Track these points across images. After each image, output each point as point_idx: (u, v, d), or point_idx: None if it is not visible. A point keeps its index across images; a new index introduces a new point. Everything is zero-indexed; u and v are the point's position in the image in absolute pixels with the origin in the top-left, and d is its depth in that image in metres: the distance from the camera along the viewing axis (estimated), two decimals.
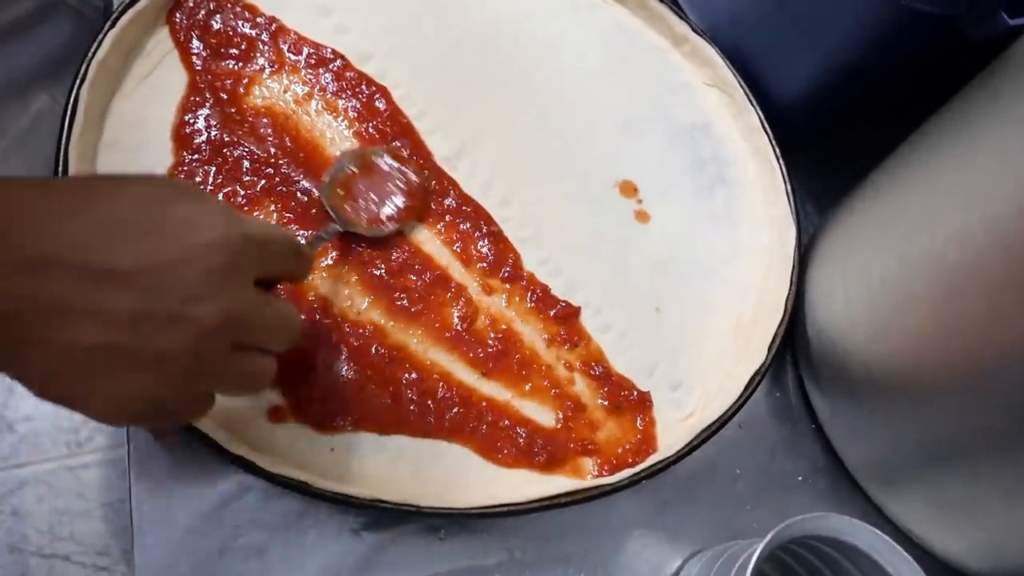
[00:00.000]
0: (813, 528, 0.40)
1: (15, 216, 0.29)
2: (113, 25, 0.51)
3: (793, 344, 0.58)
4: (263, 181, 0.51)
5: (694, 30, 0.65)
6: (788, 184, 0.59)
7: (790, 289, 0.55)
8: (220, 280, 0.32)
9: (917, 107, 0.51)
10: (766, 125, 0.62)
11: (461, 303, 0.51)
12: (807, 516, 0.39)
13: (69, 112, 0.48)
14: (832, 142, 0.63)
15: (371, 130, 0.55)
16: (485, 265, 0.53)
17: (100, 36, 0.51)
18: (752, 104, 0.63)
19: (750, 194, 0.62)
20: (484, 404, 0.48)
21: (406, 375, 0.48)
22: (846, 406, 0.53)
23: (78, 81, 0.49)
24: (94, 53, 0.50)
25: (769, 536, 0.38)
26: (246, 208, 0.50)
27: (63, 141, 0.47)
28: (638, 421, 0.50)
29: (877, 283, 0.48)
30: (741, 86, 0.63)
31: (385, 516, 0.45)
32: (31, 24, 0.57)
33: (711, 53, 0.65)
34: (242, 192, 0.50)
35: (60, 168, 0.46)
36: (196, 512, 0.44)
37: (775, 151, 0.61)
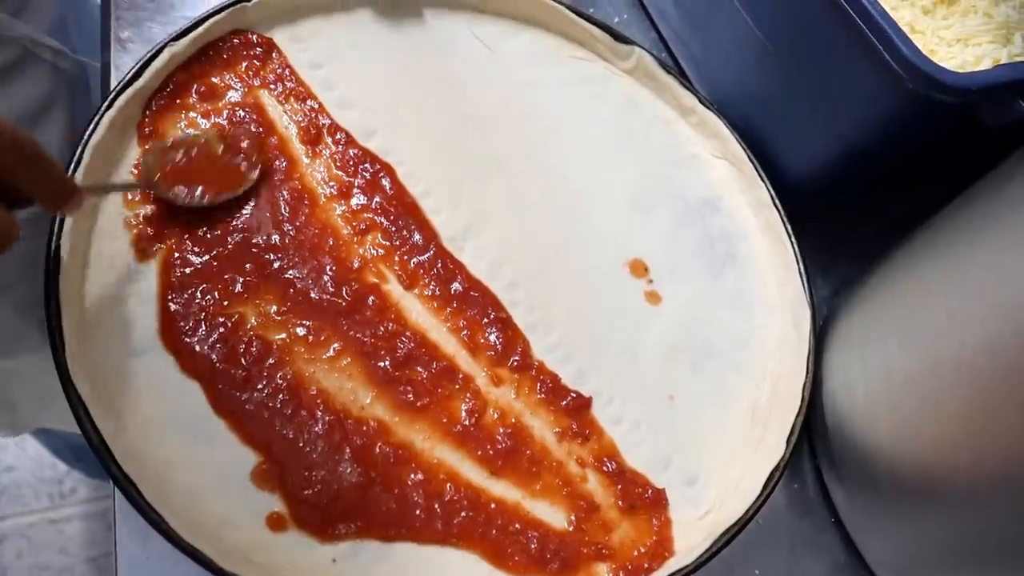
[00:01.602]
0: None
1: None
2: (110, 106, 0.50)
3: (811, 433, 0.56)
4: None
5: (701, 102, 0.64)
6: (800, 264, 0.58)
7: (806, 377, 0.53)
8: None
9: (931, 186, 0.50)
10: (776, 201, 0.61)
11: (469, 396, 0.49)
12: None
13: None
14: (843, 216, 0.62)
15: (375, 207, 0.54)
16: (493, 354, 0.51)
17: (98, 117, 0.49)
18: (762, 178, 0.62)
19: (762, 273, 0.60)
20: (493, 506, 0.46)
21: (412, 476, 0.46)
22: (867, 501, 0.51)
23: (72, 165, 0.47)
24: (89, 136, 0.48)
25: None
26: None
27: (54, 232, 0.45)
28: (653, 521, 0.48)
29: (900, 381, 0.46)
30: (750, 159, 0.62)
31: None
32: (2, 79, 0.55)
33: (719, 125, 0.64)
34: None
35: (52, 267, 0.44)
36: (191, 571, 0.41)
37: (786, 228, 0.60)
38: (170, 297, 0.47)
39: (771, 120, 0.63)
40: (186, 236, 0.49)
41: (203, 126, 0.53)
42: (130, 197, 0.50)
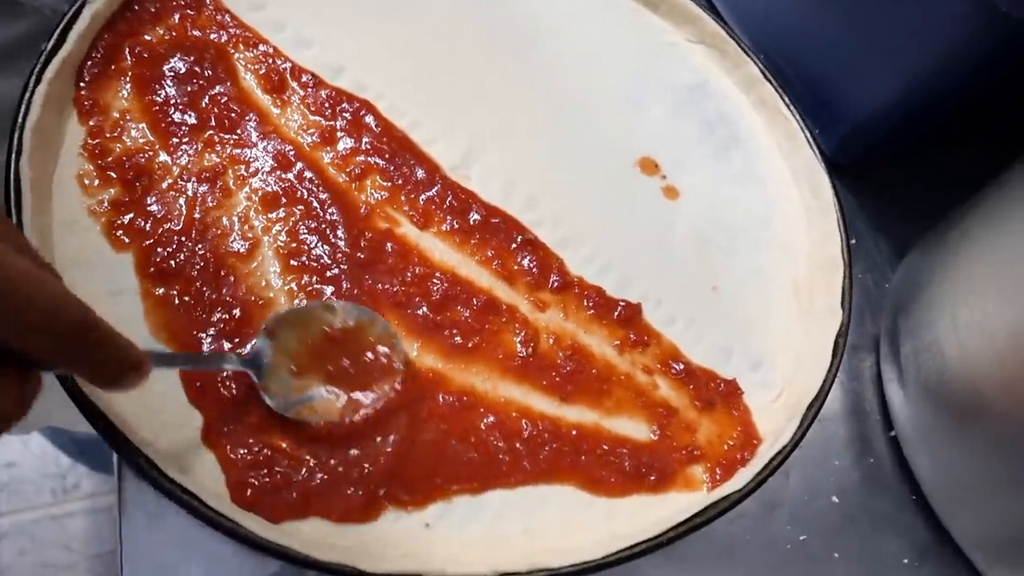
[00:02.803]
0: None
1: None
2: (39, 80, 0.42)
3: (884, 407, 0.52)
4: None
5: None
6: (806, 132, 0.57)
7: (842, 239, 0.52)
8: None
9: (993, 140, 0.46)
10: (768, 74, 0.59)
11: (518, 326, 0.45)
12: None
13: (13, 192, 0.39)
14: (902, 172, 0.59)
15: (366, 149, 0.48)
16: (530, 279, 0.47)
17: (27, 95, 0.42)
18: (747, 53, 0.60)
19: (766, 149, 0.59)
20: (574, 433, 0.43)
21: (484, 420, 0.42)
22: (960, 473, 0.46)
23: (14, 154, 0.40)
24: (24, 117, 0.41)
25: None
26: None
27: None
28: (733, 413, 0.46)
29: (1004, 339, 0.41)
30: (732, 37, 0.60)
31: None
32: (23, 51, 0.47)
33: (688, 7, 0.61)
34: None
35: None
36: (201, 572, 0.37)
37: (783, 99, 0.58)
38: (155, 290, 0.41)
39: (825, 60, 0.58)
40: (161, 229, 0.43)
41: (166, 92, 0.46)
42: (87, 183, 0.43)
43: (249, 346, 0.39)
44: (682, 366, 0.47)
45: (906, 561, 0.47)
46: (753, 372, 0.49)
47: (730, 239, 0.54)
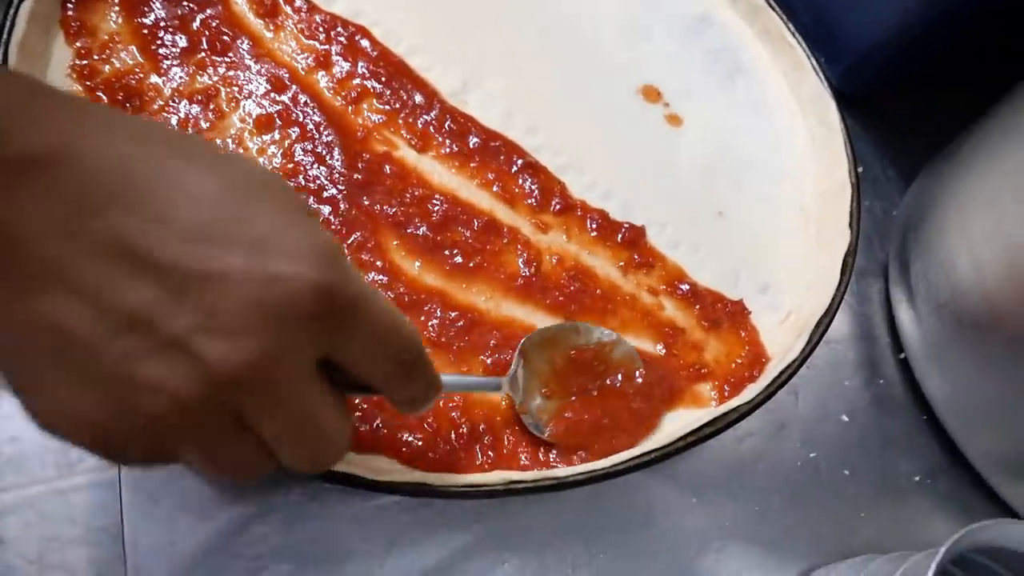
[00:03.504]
0: (991, 539, 0.33)
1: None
2: None
3: (894, 330, 0.51)
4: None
5: None
6: (812, 59, 0.55)
7: (849, 163, 0.51)
8: (265, 326, 0.22)
9: (1015, 62, 0.45)
10: (772, 2, 0.58)
11: (520, 247, 0.44)
12: (983, 525, 0.32)
13: None
14: (911, 102, 0.57)
15: (362, 73, 0.47)
16: (532, 201, 0.46)
17: (11, 11, 0.40)
18: None
19: (771, 78, 0.57)
20: None
21: (490, 340, 0.41)
22: (972, 392, 0.45)
23: None
24: (9, 33, 0.40)
25: (942, 550, 0.31)
26: None
27: None
28: (740, 333, 0.45)
29: (1019, 244, 0.40)
30: None
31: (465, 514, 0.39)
32: None
33: None
34: None
35: None
36: (204, 540, 0.36)
37: (788, 28, 0.57)
38: None
39: None
40: None
41: (156, 14, 0.45)
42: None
43: (511, 369, 0.39)
44: (688, 287, 0.46)
45: (917, 479, 0.46)
46: (761, 295, 0.48)
47: (736, 167, 0.52)
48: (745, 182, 0.52)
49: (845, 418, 0.47)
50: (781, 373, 0.42)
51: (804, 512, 0.43)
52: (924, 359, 0.48)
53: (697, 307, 0.45)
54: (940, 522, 0.44)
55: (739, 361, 0.44)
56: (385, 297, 0.26)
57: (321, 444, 0.25)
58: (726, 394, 0.42)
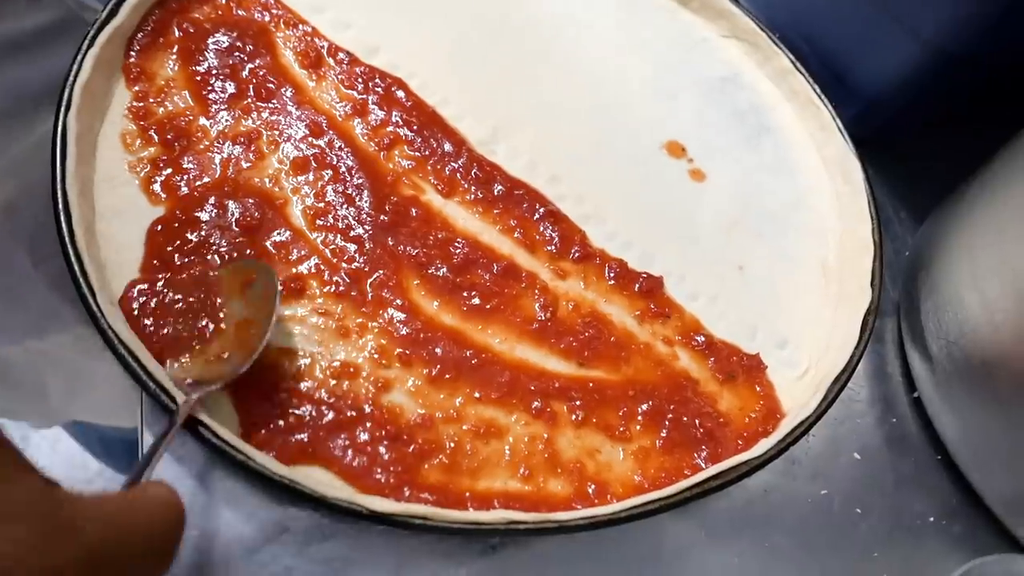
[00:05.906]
0: (998, 573, 0.33)
1: None
2: (91, 45, 0.45)
3: (906, 366, 0.51)
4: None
5: None
6: (837, 121, 0.56)
7: (872, 223, 0.51)
8: None
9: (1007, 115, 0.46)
10: (799, 65, 0.59)
11: (537, 292, 0.45)
12: (988, 559, 0.32)
13: (59, 143, 0.41)
14: (920, 146, 0.58)
15: (396, 121, 0.50)
16: (552, 248, 0.48)
17: (79, 57, 0.44)
18: (778, 46, 0.60)
19: (797, 138, 0.58)
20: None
21: (499, 378, 0.42)
22: (990, 430, 0.44)
23: (63, 108, 0.42)
24: (75, 76, 0.44)
25: None
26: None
27: (58, 176, 0.40)
28: (756, 388, 0.45)
29: None
30: (762, 30, 0.60)
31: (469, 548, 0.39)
32: (44, 40, 0.50)
33: (723, 4, 0.62)
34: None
35: (62, 207, 0.39)
36: (217, 560, 0.37)
37: (815, 90, 0.58)
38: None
39: (839, 33, 0.59)
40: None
41: (209, 63, 0.48)
42: (129, 142, 0.45)
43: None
44: (703, 338, 0.46)
45: (932, 520, 0.46)
46: (779, 350, 0.47)
47: (758, 222, 0.53)
48: (766, 236, 0.52)
49: (857, 456, 0.46)
50: (795, 429, 0.41)
51: (815, 551, 0.43)
52: (936, 397, 0.47)
53: (712, 359, 0.46)
54: (954, 564, 0.43)
55: (753, 415, 0.44)
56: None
57: None
58: (739, 447, 0.42)
